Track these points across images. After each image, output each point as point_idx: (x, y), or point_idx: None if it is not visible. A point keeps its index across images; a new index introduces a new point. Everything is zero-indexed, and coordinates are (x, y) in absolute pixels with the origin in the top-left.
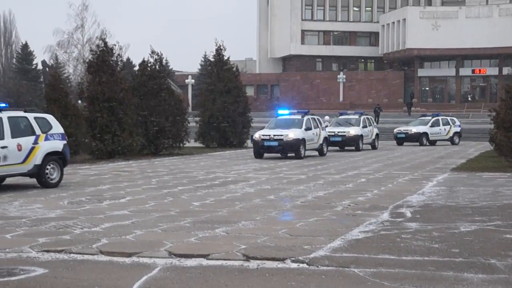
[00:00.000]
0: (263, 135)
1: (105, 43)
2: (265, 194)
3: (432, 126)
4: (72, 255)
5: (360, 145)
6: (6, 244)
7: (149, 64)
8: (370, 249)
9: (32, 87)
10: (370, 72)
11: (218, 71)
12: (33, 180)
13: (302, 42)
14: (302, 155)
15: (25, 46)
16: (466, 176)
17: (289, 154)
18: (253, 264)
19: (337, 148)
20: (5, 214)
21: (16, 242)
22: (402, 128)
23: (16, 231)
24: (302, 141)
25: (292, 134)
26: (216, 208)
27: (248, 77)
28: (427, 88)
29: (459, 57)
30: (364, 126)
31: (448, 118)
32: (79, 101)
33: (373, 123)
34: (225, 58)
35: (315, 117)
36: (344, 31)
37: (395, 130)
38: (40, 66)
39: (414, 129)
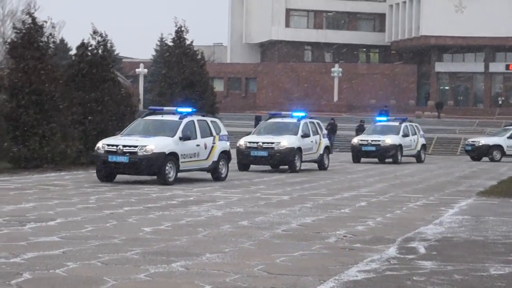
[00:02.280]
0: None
1: (33, 18)
2: (237, 219)
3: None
4: None
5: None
6: None
7: (89, 48)
8: None
9: None
10: (373, 65)
11: (179, 58)
12: None
13: (287, 25)
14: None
15: None
16: (497, 203)
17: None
18: None
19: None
20: None
21: None
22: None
23: None
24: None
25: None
26: (173, 235)
27: (217, 68)
28: (446, 87)
29: (489, 48)
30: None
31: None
32: None
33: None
34: (188, 42)
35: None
36: (341, 12)
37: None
38: None
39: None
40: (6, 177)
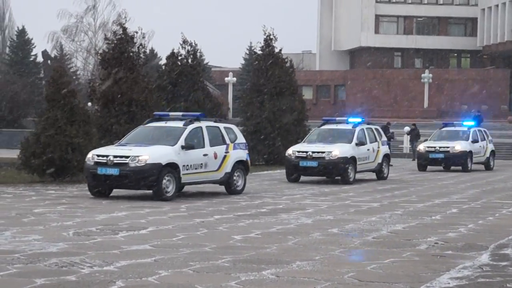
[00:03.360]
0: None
1: (124, 29)
2: (326, 227)
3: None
4: None
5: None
6: None
7: (179, 57)
8: None
9: (30, 84)
10: (464, 70)
11: (267, 67)
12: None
13: (376, 31)
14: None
15: (22, 32)
16: None
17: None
18: None
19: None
20: None
21: (7, 284)
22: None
23: (8, 269)
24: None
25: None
26: (263, 243)
27: (306, 75)
28: None
29: None
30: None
31: None
32: (89, 104)
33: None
34: (276, 50)
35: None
36: (431, 17)
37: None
38: (40, 58)
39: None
40: None
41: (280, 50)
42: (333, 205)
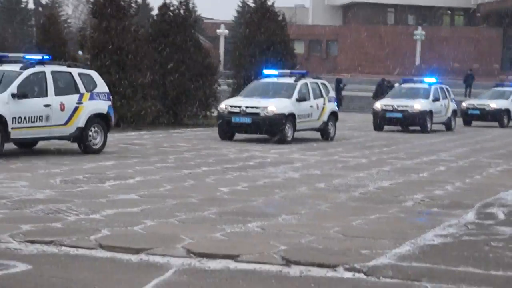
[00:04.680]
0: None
1: None
2: (314, 181)
3: None
4: (63, 248)
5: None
6: None
7: (171, 8)
8: (449, 259)
9: (20, 32)
10: (457, 28)
11: (259, 19)
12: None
13: None
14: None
15: None
16: None
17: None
18: (294, 270)
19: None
20: None
21: None
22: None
23: None
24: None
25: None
26: (250, 196)
27: (298, 30)
28: None
29: None
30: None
31: None
32: (80, 52)
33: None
34: (269, 3)
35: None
36: None
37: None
38: (31, 5)
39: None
40: None
41: (273, 3)
42: (322, 160)
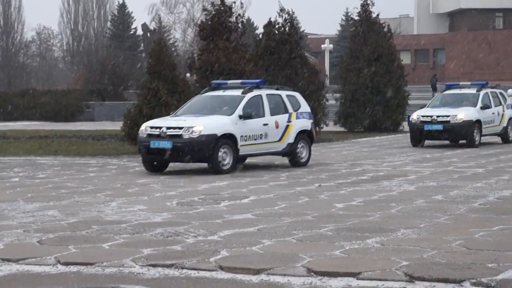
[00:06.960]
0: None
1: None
2: (430, 194)
3: None
4: (184, 271)
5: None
6: (103, 257)
7: (276, 26)
8: None
9: (130, 57)
10: None
11: (364, 32)
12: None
13: None
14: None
15: (122, 7)
16: None
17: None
18: (419, 286)
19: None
20: (101, 217)
21: (115, 253)
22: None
23: (115, 239)
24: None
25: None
26: (366, 211)
27: (404, 40)
28: None
29: None
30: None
31: None
32: (188, 75)
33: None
34: (374, 15)
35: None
36: None
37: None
38: (140, 31)
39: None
40: None
41: (378, 15)
42: (436, 171)
